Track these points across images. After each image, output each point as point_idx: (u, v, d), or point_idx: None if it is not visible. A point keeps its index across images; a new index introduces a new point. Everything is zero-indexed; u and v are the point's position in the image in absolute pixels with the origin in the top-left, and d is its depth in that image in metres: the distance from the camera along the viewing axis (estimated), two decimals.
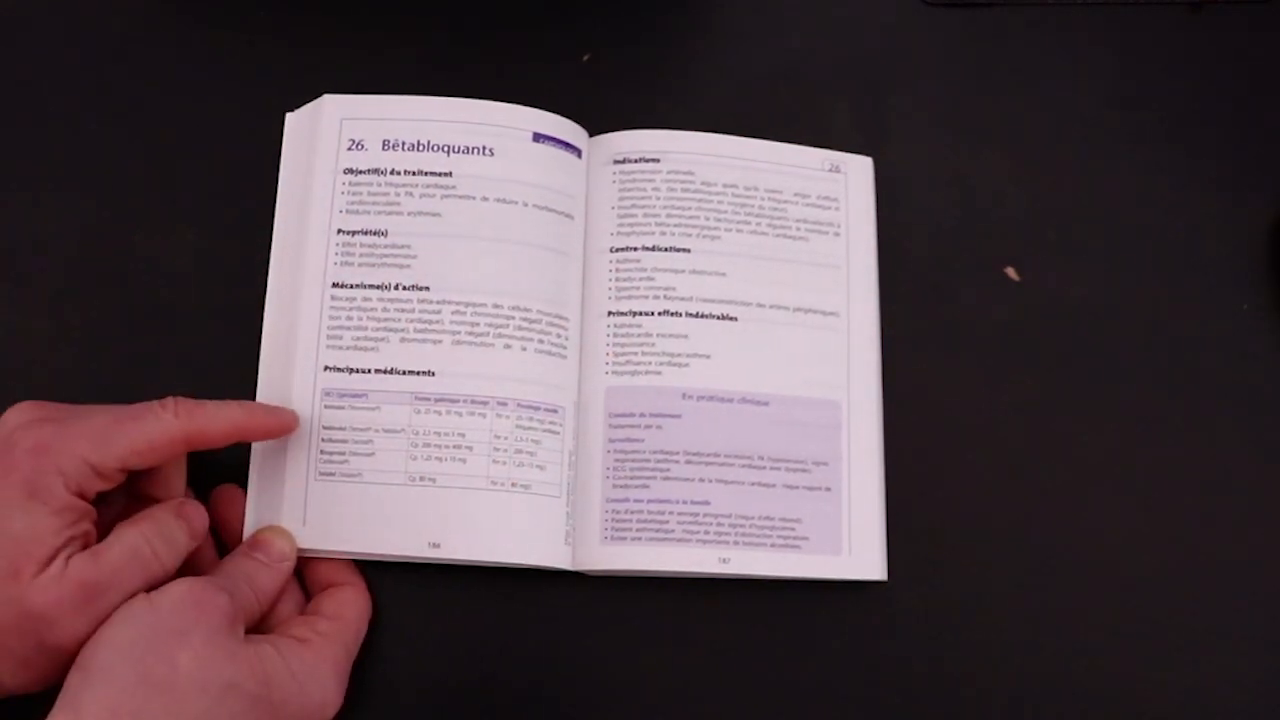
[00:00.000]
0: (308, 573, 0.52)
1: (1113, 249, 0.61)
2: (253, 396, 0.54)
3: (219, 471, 0.52)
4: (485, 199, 0.55)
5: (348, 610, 0.50)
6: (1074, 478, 0.57)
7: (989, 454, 0.57)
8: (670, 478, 0.54)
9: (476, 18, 0.62)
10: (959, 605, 0.55)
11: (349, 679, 0.48)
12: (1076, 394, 0.58)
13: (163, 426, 0.46)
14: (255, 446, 0.53)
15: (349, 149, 0.56)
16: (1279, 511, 0.57)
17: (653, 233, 0.57)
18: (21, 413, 0.45)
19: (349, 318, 0.54)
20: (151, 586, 0.45)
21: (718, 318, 0.56)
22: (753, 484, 0.54)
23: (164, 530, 0.46)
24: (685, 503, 0.54)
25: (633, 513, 0.54)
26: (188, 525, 0.48)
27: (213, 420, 0.48)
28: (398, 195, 0.55)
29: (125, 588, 0.44)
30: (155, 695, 0.41)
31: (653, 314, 0.56)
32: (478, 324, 0.53)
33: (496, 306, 0.54)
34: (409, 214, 0.55)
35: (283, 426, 0.51)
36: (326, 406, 0.53)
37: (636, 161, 0.58)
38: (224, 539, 0.52)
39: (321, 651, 0.47)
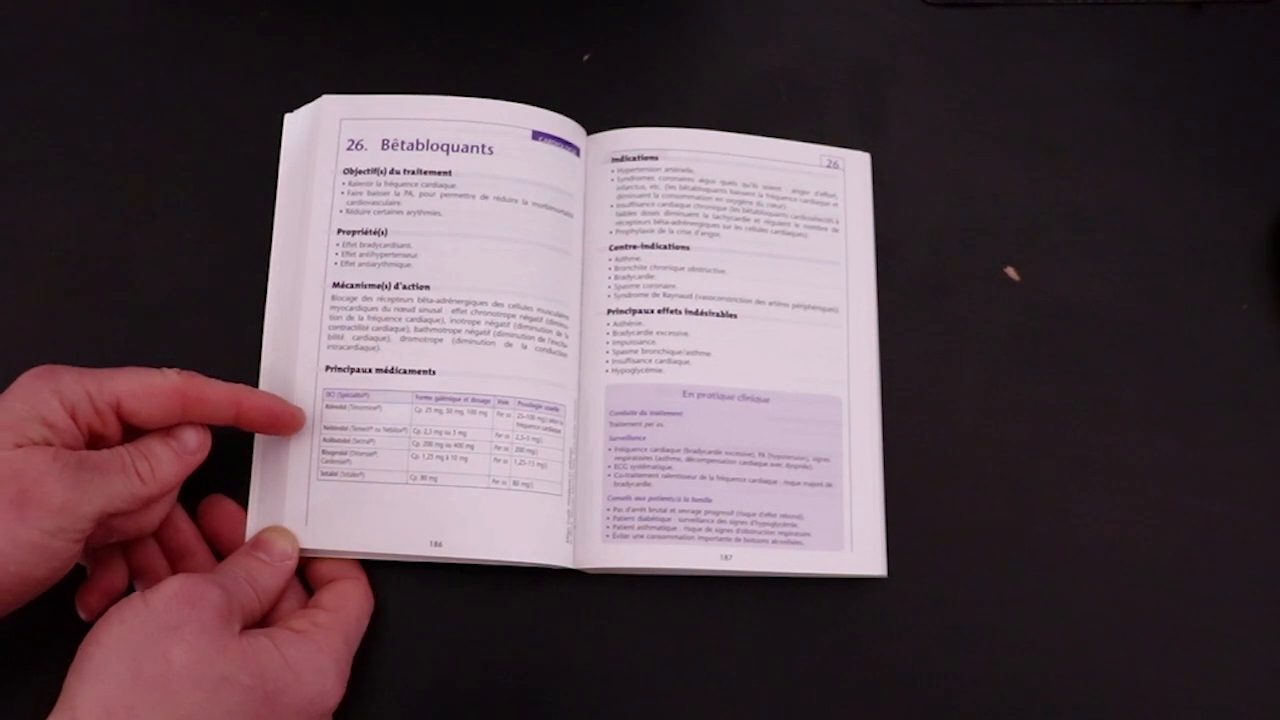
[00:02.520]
0: (309, 570, 0.52)
1: (1112, 249, 0.61)
2: None
3: (220, 474, 0.52)
4: (485, 197, 0.55)
5: (347, 602, 0.50)
6: (1073, 476, 0.57)
7: (989, 452, 0.57)
8: (671, 475, 0.54)
9: (475, 17, 0.62)
10: (959, 601, 0.55)
11: (350, 672, 0.48)
12: (1076, 393, 0.58)
13: (163, 377, 0.48)
14: (257, 447, 0.53)
15: (349, 149, 0.56)
16: (1279, 511, 0.57)
17: (651, 230, 0.57)
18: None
19: (350, 317, 0.54)
20: (137, 500, 0.46)
21: (717, 315, 0.56)
22: (754, 481, 0.54)
23: (147, 450, 0.47)
24: (687, 500, 0.54)
25: (634, 510, 0.54)
26: (176, 444, 0.48)
27: (213, 385, 0.49)
28: (397, 194, 0.55)
29: (108, 481, 0.45)
30: (149, 691, 0.41)
31: (652, 312, 0.56)
32: (478, 322, 0.54)
33: (497, 305, 0.54)
34: (409, 213, 0.55)
35: (284, 414, 0.51)
36: (328, 406, 0.53)
37: (635, 159, 0.58)
38: (218, 549, 0.52)
39: (319, 642, 0.46)
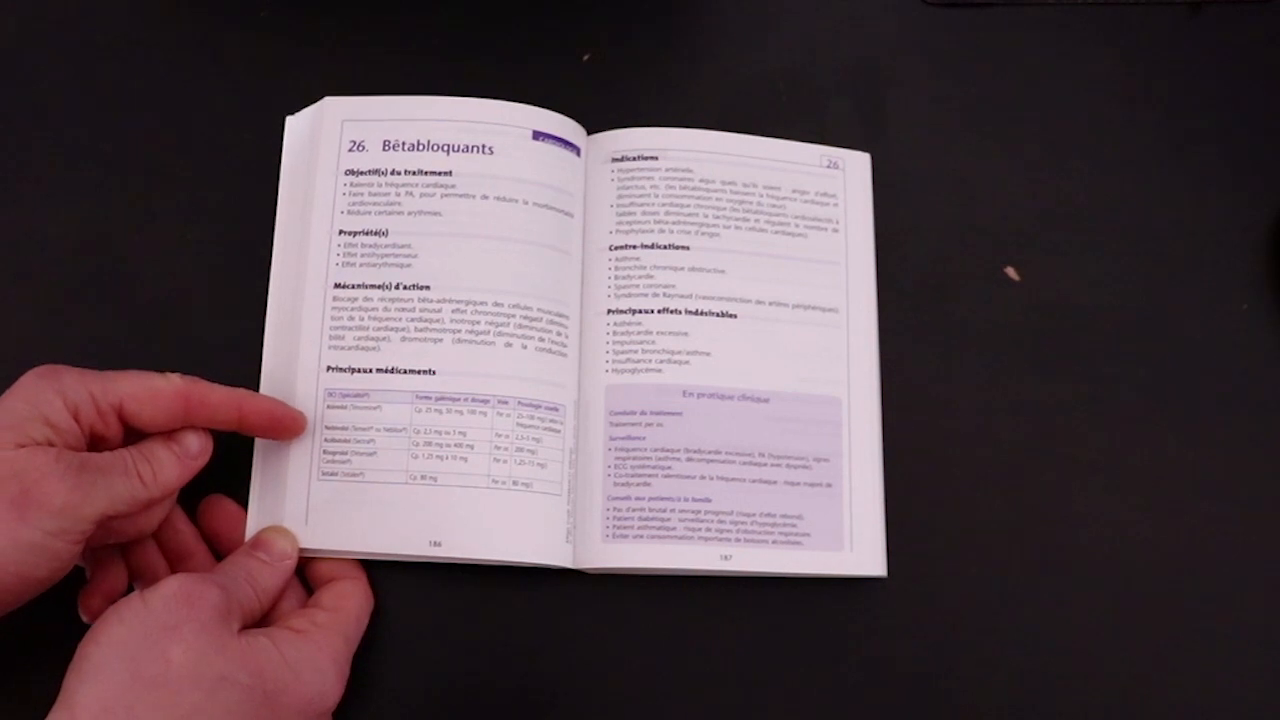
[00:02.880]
0: (309, 570, 0.52)
1: (1113, 249, 0.61)
2: None
3: (220, 474, 0.52)
4: (485, 197, 0.55)
5: (346, 602, 0.50)
6: (1073, 476, 0.57)
7: (988, 452, 0.57)
8: (671, 475, 0.54)
9: (475, 17, 0.62)
10: (958, 602, 0.55)
11: (350, 671, 0.48)
12: (1076, 394, 0.58)
13: (166, 380, 0.48)
14: (257, 447, 0.54)
15: (350, 150, 0.56)
16: (1279, 511, 0.57)
17: (651, 230, 0.57)
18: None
19: (350, 318, 0.54)
20: (138, 503, 0.46)
21: (717, 315, 0.56)
22: (754, 481, 0.54)
23: (149, 452, 0.47)
24: (686, 500, 0.54)
25: (634, 510, 0.54)
26: (178, 447, 0.48)
27: (215, 389, 0.49)
28: (398, 195, 0.55)
29: (110, 483, 0.45)
30: (148, 691, 0.41)
31: (652, 312, 0.56)
32: (478, 322, 0.54)
33: (497, 305, 0.54)
34: (409, 214, 0.55)
35: (286, 418, 0.52)
36: (329, 406, 0.53)
37: (635, 159, 0.58)
38: (218, 549, 0.52)
39: (319, 641, 0.47)
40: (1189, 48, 0.65)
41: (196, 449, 0.49)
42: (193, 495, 0.51)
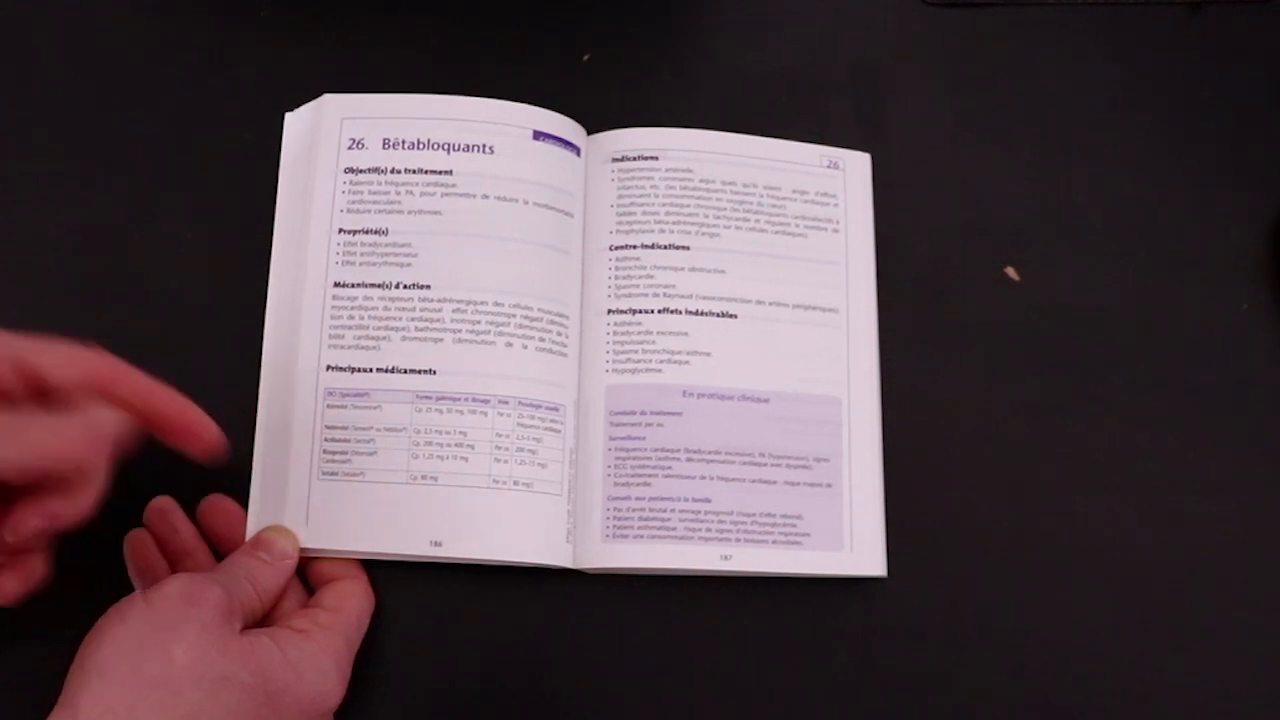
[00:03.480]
0: (310, 570, 0.52)
1: (1113, 249, 0.61)
2: (255, 398, 0.54)
3: (221, 474, 0.52)
4: (485, 197, 0.55)
5: (348, 602, 0.50)
6: (1073, 476, 0.57)
7: (988, 452, 0.57)
8: (671, 475, 0.54)
9: (475, 17, 0.62)
10: (958, 602, 0.55)
11: (351, 671, 0.48)
12: (1076, 393, 0.58)
13: (73, 349, 0.45)
14: (258, 447, 0.53)
15: (350, 148, 0.56)
16: (1279, 511, 0.57)
17: (652, 230, 0.57)
18: None
19: (350, 317, 0.54)
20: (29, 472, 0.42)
21: (717, 315, 0.56)
22: (754, 481, 0.54)
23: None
24: (686, 500, 0.54)
25: (634, 510, 0.54)
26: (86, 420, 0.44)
27: (134, 369, 0.46)
28: (398, 194, 0.55)
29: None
30: (150, 690, 0.41)
31: (652, 312, 0.56)
32: (478, 322, 0.54)
33: (497, 304, 0.54)
34: (409, 212, 0.55)
35: (195, 424, 0.47)
36: (329, 406, 0.53)
37: (635, 159, 0.58)
38: (218, 549, 0.52)
39: (320, 642, 0.47)
40: (1189, 48, 0.65)
41: (111, 422, 0.45)
42: (193, 495, 0.51)
